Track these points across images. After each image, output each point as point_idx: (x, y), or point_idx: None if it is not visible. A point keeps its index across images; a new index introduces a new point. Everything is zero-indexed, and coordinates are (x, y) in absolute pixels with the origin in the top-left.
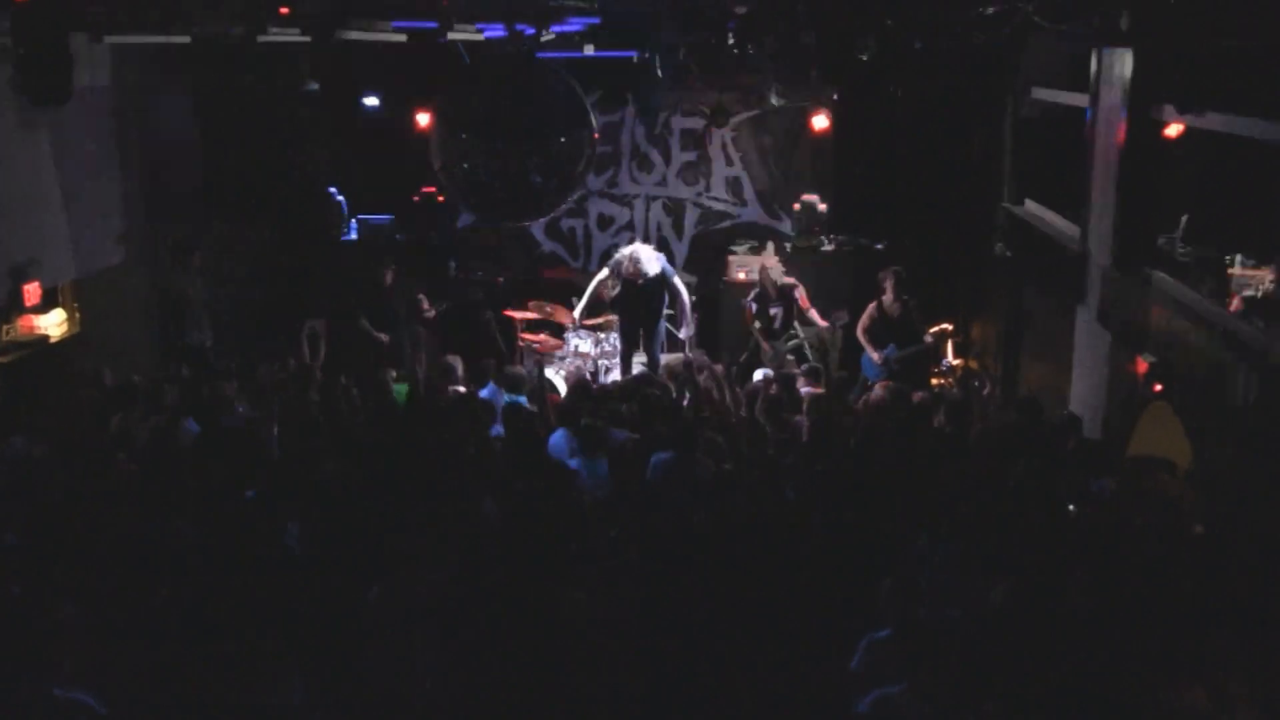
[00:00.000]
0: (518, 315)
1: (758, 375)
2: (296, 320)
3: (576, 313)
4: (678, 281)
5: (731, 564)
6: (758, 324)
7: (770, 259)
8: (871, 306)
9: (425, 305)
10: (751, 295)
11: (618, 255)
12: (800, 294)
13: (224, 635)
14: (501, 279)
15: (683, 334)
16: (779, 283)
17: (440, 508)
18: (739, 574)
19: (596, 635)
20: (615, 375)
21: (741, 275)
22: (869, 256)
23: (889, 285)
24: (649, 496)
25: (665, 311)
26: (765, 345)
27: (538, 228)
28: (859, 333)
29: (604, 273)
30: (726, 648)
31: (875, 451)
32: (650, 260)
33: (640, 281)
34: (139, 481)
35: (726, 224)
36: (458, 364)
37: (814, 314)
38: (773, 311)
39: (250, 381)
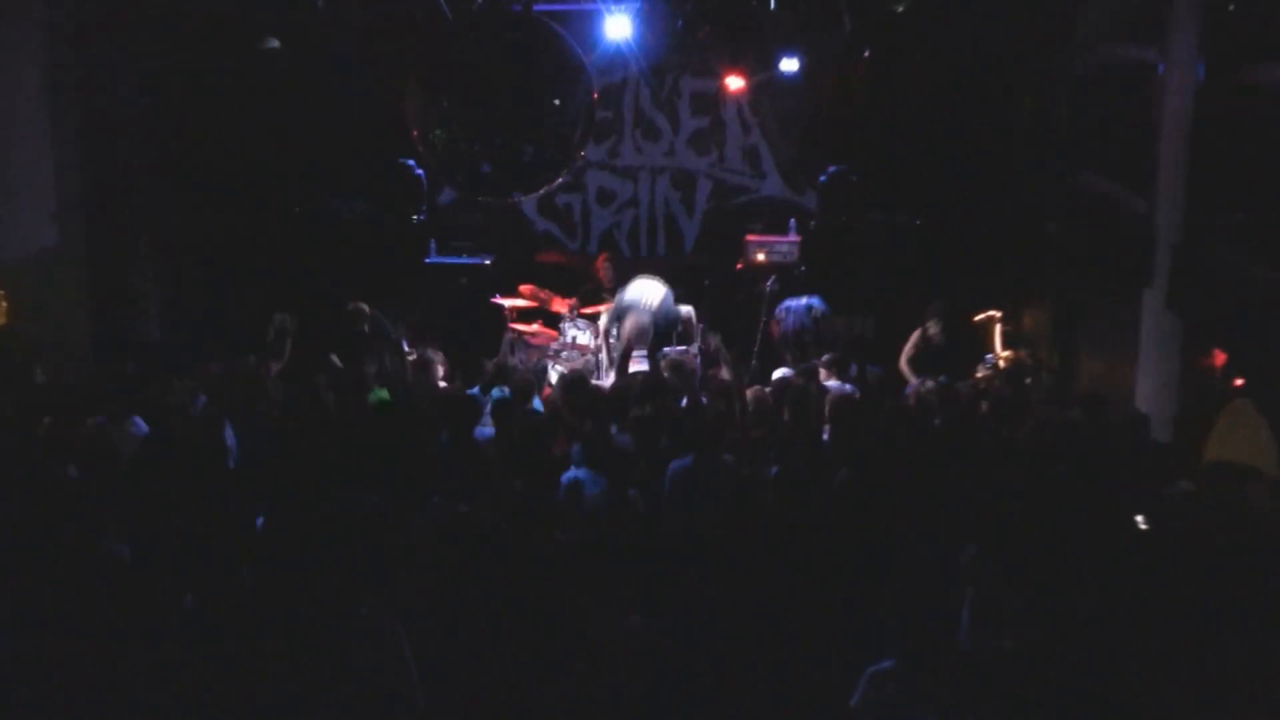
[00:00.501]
0: (507, 303)
1: (777, 375)
2: (261, 310)
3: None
4: (680, 310)
5: (753, 582)
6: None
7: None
8: (915, 335)
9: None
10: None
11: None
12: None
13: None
14: (489, 262)
15: (693, 349)
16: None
17: (411, 513)
18: (760, 593)
19: (599, 644)
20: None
21: (761, 257)
22: (905, 235)
23: (937, 316)
24: (668, 506)
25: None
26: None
27: (529, 205)
28: (902, 364)
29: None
30: (742, 669)
31: (909, 456)
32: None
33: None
34: (71, 491)
35: (743, 199)
36: (438, 358)
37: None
38: None
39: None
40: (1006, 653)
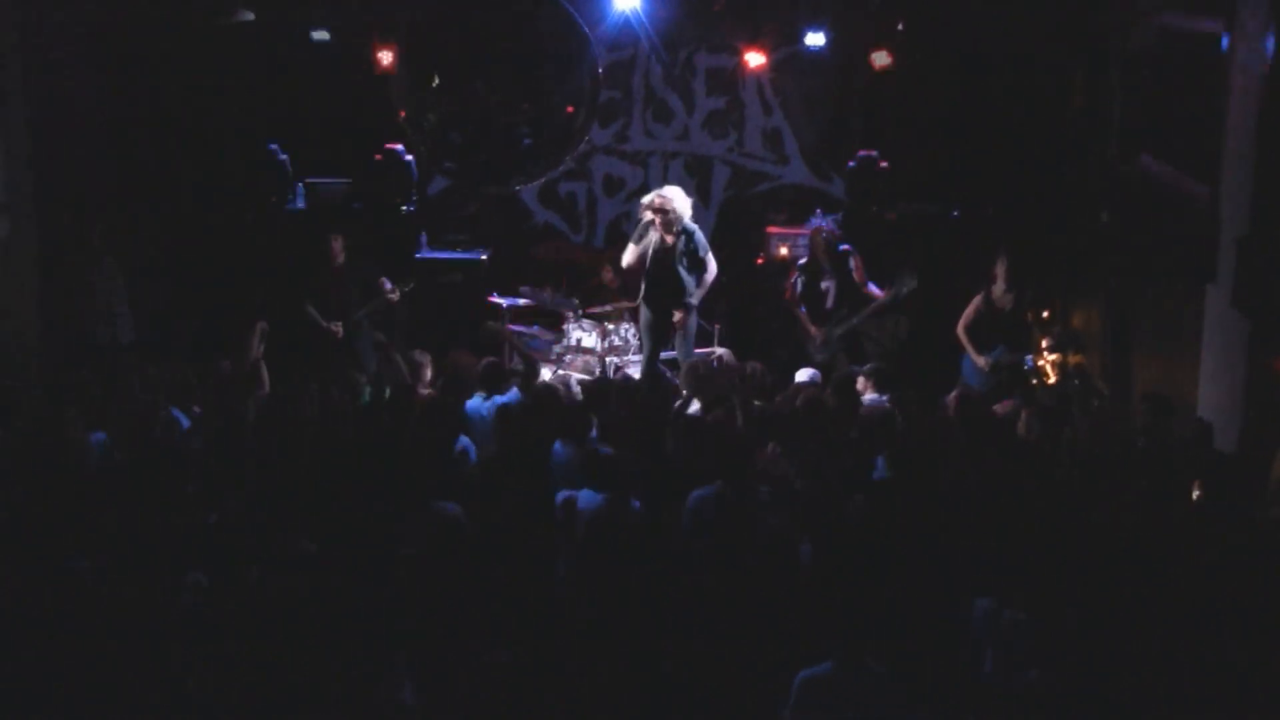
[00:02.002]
0: (504, 302)
1: (801, 376)
2: (230, 311)
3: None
4: (708, 255)
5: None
6: (804, 307)
7: (825, 223)
8: (978, 298)
9: (388, 286)
10: (797, 267)
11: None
12: (856, 263)
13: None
14: (485, 257)
15: (693, 300)
16: (835, 249)
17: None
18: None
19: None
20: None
21: (784, 251)
22: (941, 228)
23: (1001, 272)
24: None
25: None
26: (814, 331)
27: (529, 193)
28: (959, 330)
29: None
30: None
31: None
32: (682, 200)
33: (671, 232)
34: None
35: (764, 187)
36: (427, 361)
37: (873, 289)
38: (824, 286)
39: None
40: (1030, 683)
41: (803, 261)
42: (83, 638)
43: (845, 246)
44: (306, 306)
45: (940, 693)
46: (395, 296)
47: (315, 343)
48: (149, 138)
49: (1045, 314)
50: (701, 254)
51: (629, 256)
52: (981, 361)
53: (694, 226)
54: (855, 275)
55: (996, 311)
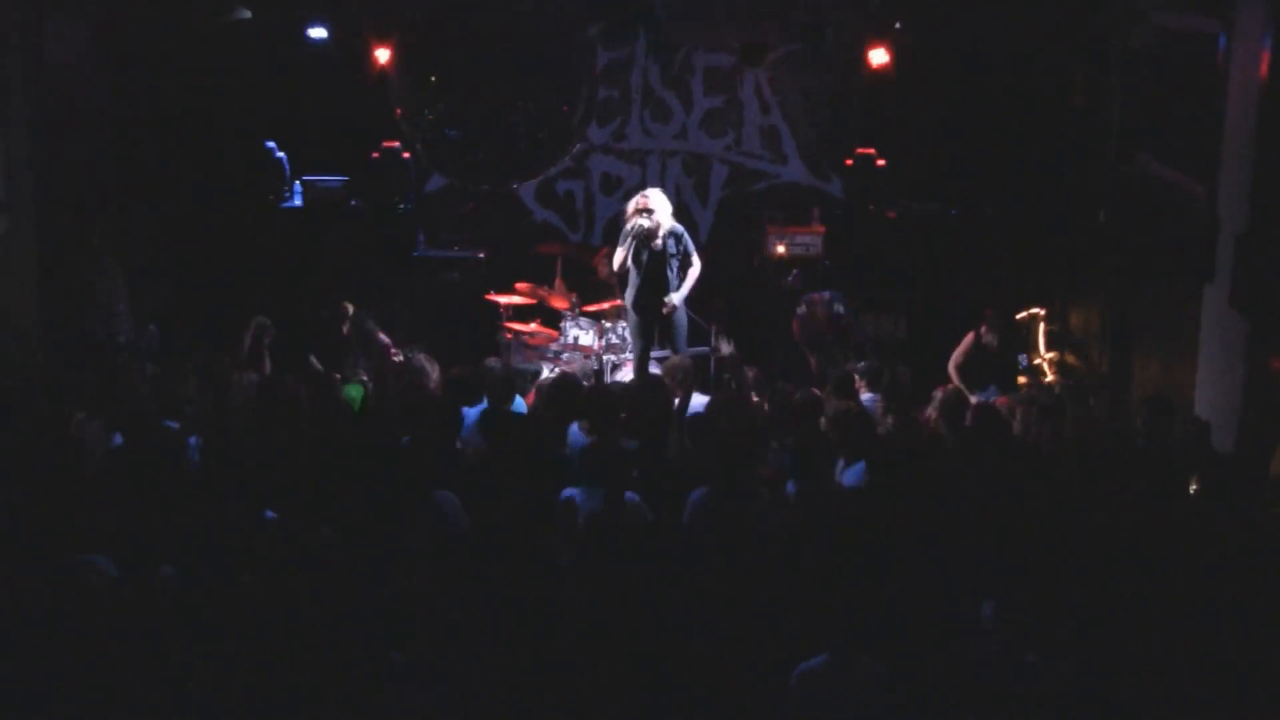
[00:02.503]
0: (502, 300)
1: None
2: (229, 308)
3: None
4: (693, 254)
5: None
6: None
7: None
8: (968, 339)
9: (392, 350)
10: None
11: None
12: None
13: None
14: (482, 256)
15: (675, 299)
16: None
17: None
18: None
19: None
20: (626, 376)
21: (782, 249)
22: (940, 227)
23: (991, 318)
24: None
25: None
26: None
27: (527, 192)
28: (951, 369)
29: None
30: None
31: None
32: (662, 202)
33: (655, 235)
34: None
35: (762, 185)
36: (433, 367)
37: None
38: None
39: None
40: (1028, 665)
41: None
42: (83, 637)
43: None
44: (308, 357)
45: (937, 689)
46: (400, 359)
47: (314, 341)
48: (148, 137)
49: (1043, 312)
50: (691, 255)
51: (619, 257)
52: (973, 400)
53: (681, 229)
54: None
55: (986, 353)
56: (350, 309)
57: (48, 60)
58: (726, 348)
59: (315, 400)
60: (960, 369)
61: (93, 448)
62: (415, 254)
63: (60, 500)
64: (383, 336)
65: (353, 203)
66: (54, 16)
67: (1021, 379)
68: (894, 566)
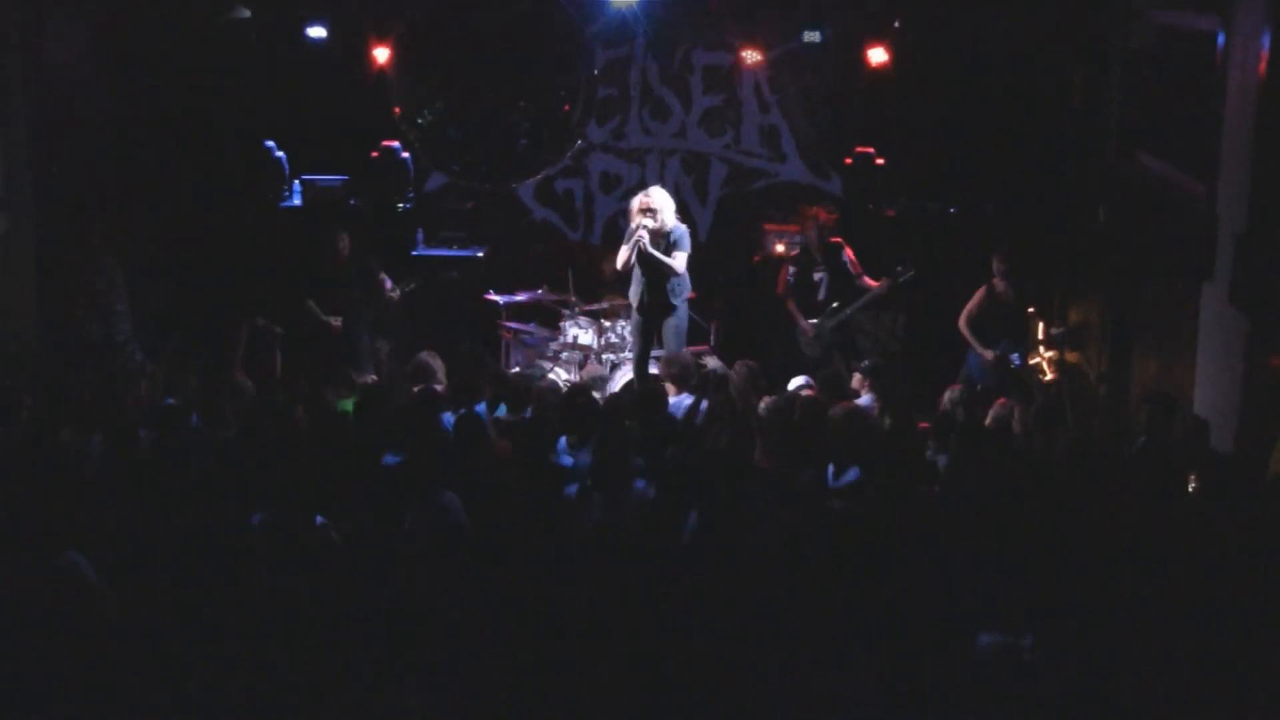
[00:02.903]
0: (501, 300)
1: (796, 384)
2: (228, 310)
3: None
4: (682, 257)
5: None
6: (796, 300)
7: (821, 211)
8: (980, 292)
9: (389, 285)
10: (789, 259)
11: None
12: (850, 255)
13: None
14: (482, 254)
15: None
16: (828, 241)
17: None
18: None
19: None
20: (625, 376)
21: (781, 248)
22: (939, 226)
23: (1000, 266)
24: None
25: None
26: (804, 324)
27: (526, 191)
28: (962, 324)
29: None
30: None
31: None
32: (665, 201)
33: (658, 228)
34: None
35: (761, 184)
36: (437, 364)
37: (867, 280)
38: (817, 278)
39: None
40: (1023, 654)
41: (795, 253)
42: (82, 637)
43: (837, 239)
44: (307, 301)
45: (936, 691)
46: (396, 295)
47: (313, 342)
48: (147, 136)
49: (1041, 310)
50: (681, 249)
51: (623, 256)
52: (989, 355)
53: (683, 229)
54: (851, 267)
55: (1000, 304)
56: (346, 240)
57: (47, 60)
58: (713, 362)
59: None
60: (972, 324)
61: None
62: (414, 253)
63: (53, 501)
64: (385, 279)
65: (352, 202)
66: (54, 16)
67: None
68: (892, 568)
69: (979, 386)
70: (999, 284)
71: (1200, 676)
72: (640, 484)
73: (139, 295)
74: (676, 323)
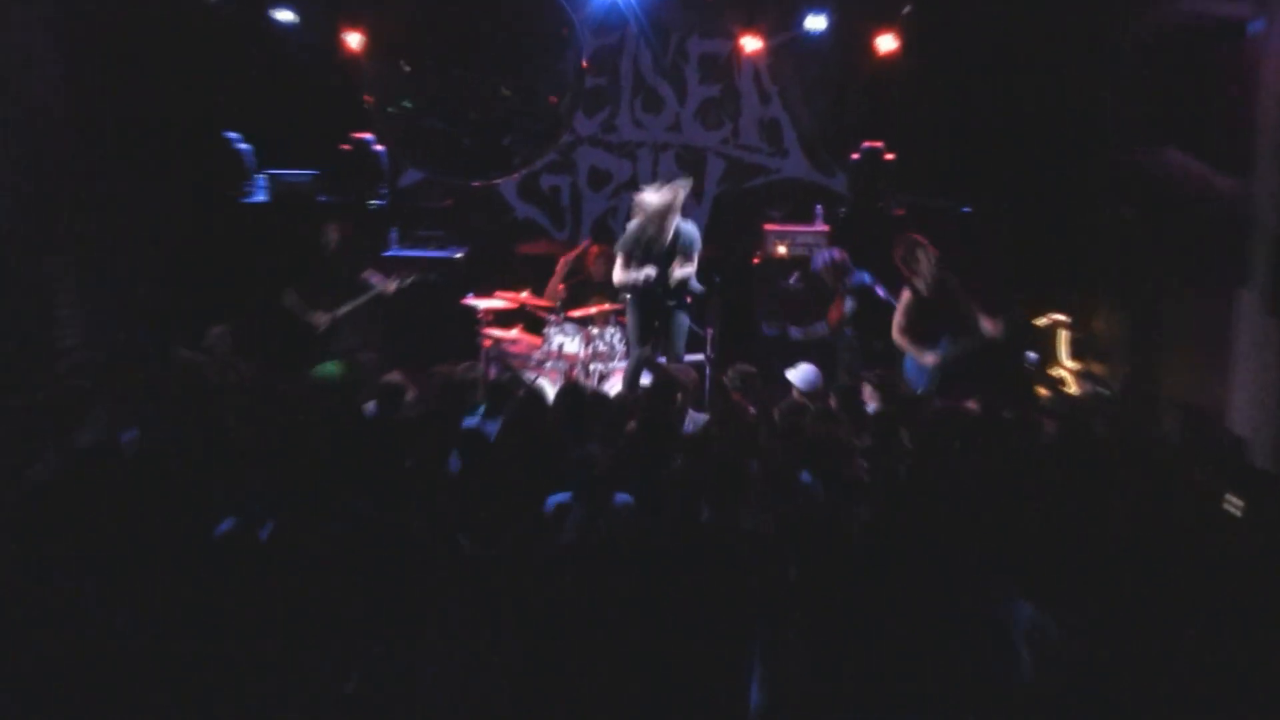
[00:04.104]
0: (482, 304)
1: (796, 376)
2: (189, 314)
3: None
4: (692, 266)
5: None
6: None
7: (828, 255)
8: (905, 297)
9: (374, 281)
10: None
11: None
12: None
13: None
14: (460, 256)
15: (678, 273)
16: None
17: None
18: None
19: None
20: (615, 386)
21: (783, 250)
22: (951, 225)
23: (922, 261)
24: None
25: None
26: (923, 355)
27: (509, 187)
28: (896, 335)
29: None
30: None
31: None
32: (672, 199)
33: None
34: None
35: (761, 180)
36: (403, 383)
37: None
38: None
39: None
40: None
41: (909, 297)
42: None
43: (863, 277)
44: (288, 293)
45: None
46: (391, 288)
47: (286, 345)
48: (107, 128)
49: (1065, 319)
50: (692, 253)
51: (619, 276)
52: (929, 358)
53: (693, 231)
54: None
55: (925, 304)
56: (336, 232)
57: (10, 50)
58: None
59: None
60: (906, 330)
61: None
62: (388, 254)
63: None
64: (372, 276)
65: (321, 198)
66: (10, 4)
67: (1042, 390)
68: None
69: (919, 390)
70: (919, 282)
71: (1230, 694)
72: (623, 497)
73: (95, 296)
74: (679, 325)
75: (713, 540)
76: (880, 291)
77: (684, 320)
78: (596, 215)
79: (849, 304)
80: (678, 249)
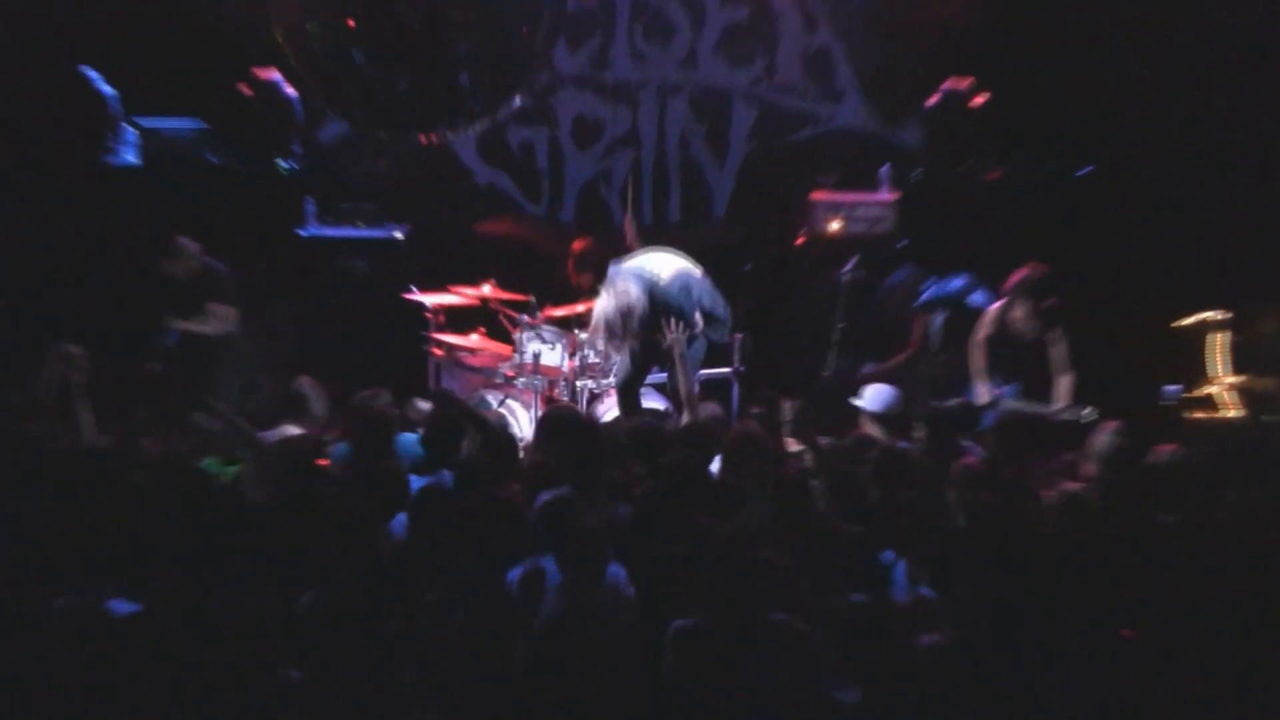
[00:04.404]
0: (431, 300)
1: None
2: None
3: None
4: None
5: None
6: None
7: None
8: (995, 309)
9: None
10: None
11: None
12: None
13: None
14: (400, 236)
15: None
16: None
17: None
18: None
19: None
20: (609, 410)
21: (836, 227)
22: (1062, 192)
23: (1020, 291)
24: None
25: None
26: (984, 389)
27: (465, 144)
28: (974, 345)
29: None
30: None
31: None
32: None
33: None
34: None
35: (806, 134)
36: (313, 392)
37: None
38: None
39: None
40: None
41: (990, 333)
42: None
43: (949, 286)
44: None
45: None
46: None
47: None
48: None
49: (1220, 317)
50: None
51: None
52: (984, 393)
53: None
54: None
55: (1011, 335)
56: (194, 254)
57: None
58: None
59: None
60: (984, 344)
61: None
62: (302, 232)
63: None
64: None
65: (210, 158)
66: None
67: (1198, 413)
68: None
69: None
70: (1018, 313)
71: None
72: (615, 570)
73: None
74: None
75: (734, 650)
76: (978, 298)
77: (698, 347)
78: (583, 182)
79: (936, 319)
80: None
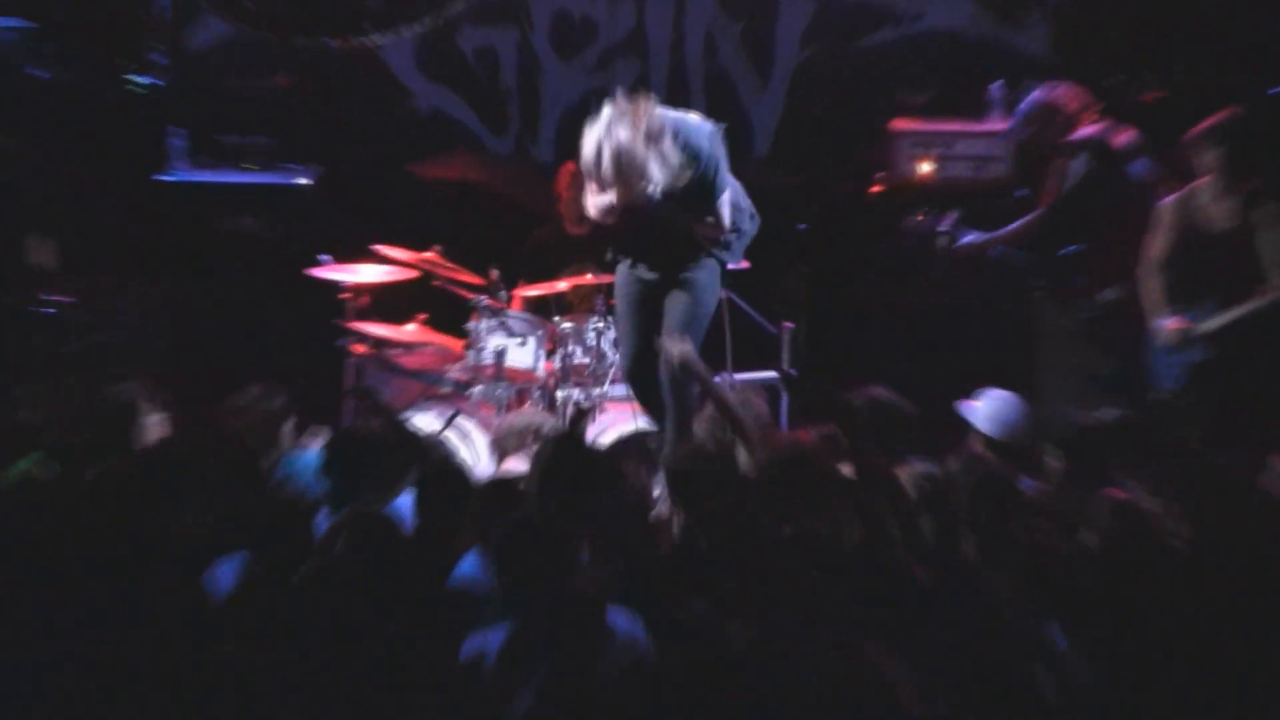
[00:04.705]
0: (350, 276)
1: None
2: None
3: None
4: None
5: None
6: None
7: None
8: (1169, 214)
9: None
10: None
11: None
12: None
13: None
14: (308, 182)
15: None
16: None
17: None
18: None
19: None
20: (603, 430)
21: (926, 168)
22: (1245, 121)
23: (1209, 159)
24: None
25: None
26: (1168, 322)
27: (400, 52)
28: (1144, 279)
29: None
30: None
31: None
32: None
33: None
34: None
35: (885, 37)
36: (148, 404)
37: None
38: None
39: None
40: None
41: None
42: None
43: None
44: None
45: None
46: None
47: None
48: None
49: None
50: (714, 181)
51: (594, 207)
52: (1169, 325)
53: (716, 161)
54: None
55: (1204, 235)
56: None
57: None
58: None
59: None
60: (1162, 269)
61: None
62: (164, 177)
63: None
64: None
65: (41, 74)
66: None
67: None
68: None
69: (1153, 396)
70: (1206, 193)
71: None
72: (624, 623)
73: None
74: (692, 303)
75: None
76: (1139, 167)
77: (708, 297)
78: (567, 108)
79: (1077, 164)
80: (682, 182)
